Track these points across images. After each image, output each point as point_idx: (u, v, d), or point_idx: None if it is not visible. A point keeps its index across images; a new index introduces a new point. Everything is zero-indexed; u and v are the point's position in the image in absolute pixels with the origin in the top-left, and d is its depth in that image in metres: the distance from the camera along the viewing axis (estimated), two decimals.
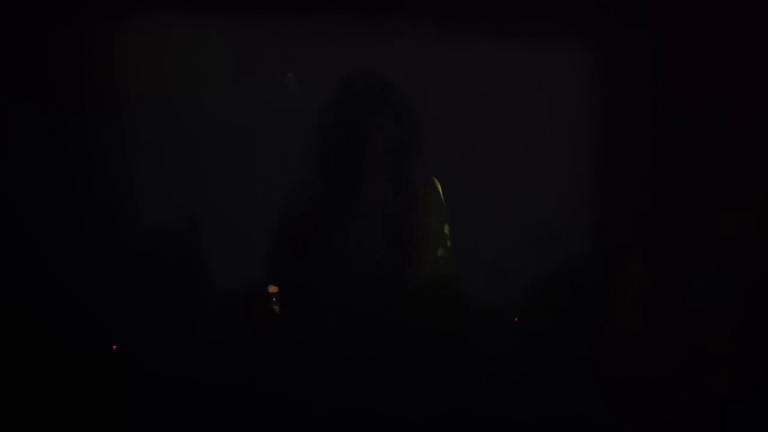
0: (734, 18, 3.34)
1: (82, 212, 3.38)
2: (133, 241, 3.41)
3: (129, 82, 3.54)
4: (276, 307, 3.44)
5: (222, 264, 3.54)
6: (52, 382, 3.13)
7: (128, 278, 3.32)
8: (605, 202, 3.57)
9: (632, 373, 3.22)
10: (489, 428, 3.18)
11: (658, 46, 3.43)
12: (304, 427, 3.16)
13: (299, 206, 3.48)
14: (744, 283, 3.28)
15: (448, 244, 3.49)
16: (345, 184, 3.46)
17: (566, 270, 3.43)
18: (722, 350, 3.21)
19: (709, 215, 3.37)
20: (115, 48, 3.52)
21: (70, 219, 3.35)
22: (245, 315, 3.41)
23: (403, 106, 3.46)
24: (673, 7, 3.37)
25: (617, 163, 3.54)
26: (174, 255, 3.43)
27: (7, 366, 3.14)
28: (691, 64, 3.38)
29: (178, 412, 3.15)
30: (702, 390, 3.18)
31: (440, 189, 3.50)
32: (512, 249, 3.54)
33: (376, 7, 3.56)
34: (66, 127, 3.40)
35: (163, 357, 3.21)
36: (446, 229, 3.49)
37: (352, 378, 3.22)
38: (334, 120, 3.45)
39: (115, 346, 3.26)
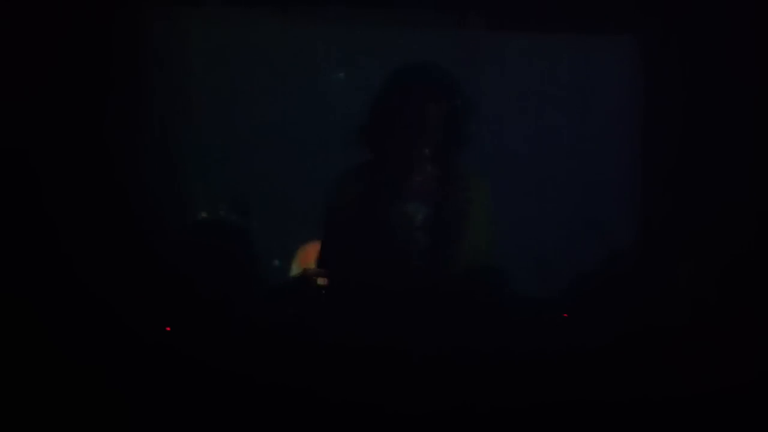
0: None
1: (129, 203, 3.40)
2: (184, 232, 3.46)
3: (180, 73, 3.58)
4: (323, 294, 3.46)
5: (271, 253, 3.59)
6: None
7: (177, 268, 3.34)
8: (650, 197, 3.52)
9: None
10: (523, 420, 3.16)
11: (703, 41, 3.37)
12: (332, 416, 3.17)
13: (348, 193, 3.51)
14: None
15: (491, 236, 3.49)
16: (394, 170, 3.47)
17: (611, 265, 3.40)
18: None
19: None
20: (165, 39, 3.56)
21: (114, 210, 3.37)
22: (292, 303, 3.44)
23: (458, 95, 3.45)
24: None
25: (663, 157, 3.49)
26: (224, 244, 3.48)
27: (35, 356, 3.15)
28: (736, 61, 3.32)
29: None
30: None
31: (487, 182, 3.50)
32: (557, 244, 3.51)
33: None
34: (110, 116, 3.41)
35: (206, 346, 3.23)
36: (490, 221, 3.49)
37: (388, 368, 3.21)
38: (388, 105, 3.45)
39: (168, 328, 3.30)
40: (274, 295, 3.44)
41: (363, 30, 3.69)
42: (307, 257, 3.66)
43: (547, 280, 3.43)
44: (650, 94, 3.51)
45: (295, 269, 3.69)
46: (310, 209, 3.56)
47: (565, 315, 3.39)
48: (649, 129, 3.51)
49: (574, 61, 3.63)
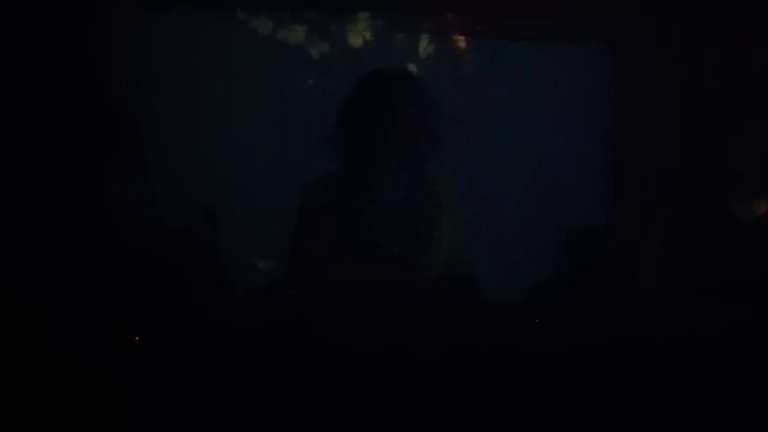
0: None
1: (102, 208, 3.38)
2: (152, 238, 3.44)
3: (146, 77, 3.57)
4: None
5: (243, 259, 3.58)
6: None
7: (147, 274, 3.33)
8: (618, 200, 3.55)
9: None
10: (499, 420, 3.15)
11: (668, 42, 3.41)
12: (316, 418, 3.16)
13: (318, 199, 3.50)
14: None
15: (462, 240, 3.50)
16: (363, 176, 3.48)
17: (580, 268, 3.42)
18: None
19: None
20: (128, 45, 3.54)
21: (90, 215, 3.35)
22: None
23: (425, 99, 3.46)
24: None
25: (631, 161, 3.51)
26: (193, 251, 3.47)
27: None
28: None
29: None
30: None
31: (456, 187, 3.51)
32: (527, 247, 3.53)
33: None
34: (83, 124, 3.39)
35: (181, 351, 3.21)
36: (460, 225, 3.50)
37: (362, 369, 3.21)
38: (356, 111, 3.46)
39: (137, 337, 3.27)
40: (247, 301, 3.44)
41: (331, 36, 3.70)
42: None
43: (522, 284, 3.44)
44: (621, 97, 3.54)
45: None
46: (281, 217, 3.55)
47: (537, 321, 3.40)
48: (622, 133, 3.54)
49: (545, 65, 3.65)
